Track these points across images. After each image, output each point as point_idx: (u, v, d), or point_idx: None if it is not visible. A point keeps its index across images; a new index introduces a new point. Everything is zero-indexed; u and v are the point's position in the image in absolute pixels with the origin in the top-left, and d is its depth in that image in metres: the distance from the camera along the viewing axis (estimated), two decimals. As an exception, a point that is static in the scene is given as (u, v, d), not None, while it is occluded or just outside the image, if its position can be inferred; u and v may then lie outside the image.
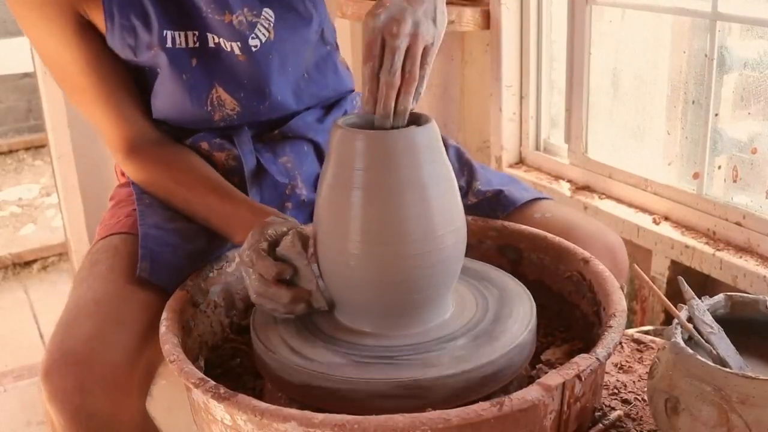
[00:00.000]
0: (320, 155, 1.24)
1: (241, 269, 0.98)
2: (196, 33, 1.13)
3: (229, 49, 1.13)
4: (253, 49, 1.14)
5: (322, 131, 1.23)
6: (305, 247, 0.93)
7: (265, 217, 1.00)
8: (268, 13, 1.14)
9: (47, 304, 2.86)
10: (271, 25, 1.14)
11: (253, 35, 1.13)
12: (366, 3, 2.23)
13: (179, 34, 1.11)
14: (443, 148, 0.91)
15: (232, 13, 1.11)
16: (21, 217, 3.84)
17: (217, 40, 1.13)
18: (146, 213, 1.13)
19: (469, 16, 2.09)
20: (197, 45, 1.13)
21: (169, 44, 1.11)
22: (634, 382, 1.01)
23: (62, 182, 2.52)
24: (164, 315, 0.98)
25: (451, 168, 0.92)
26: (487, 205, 1.20)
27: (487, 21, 2.14)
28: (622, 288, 0.97)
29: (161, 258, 1.07)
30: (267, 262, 0.92)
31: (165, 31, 1.10)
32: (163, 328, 0.95)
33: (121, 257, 1.09)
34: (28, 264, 3.21)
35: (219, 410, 0.81)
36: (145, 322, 1.03)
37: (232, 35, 1.12)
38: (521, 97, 2.17)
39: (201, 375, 0.84)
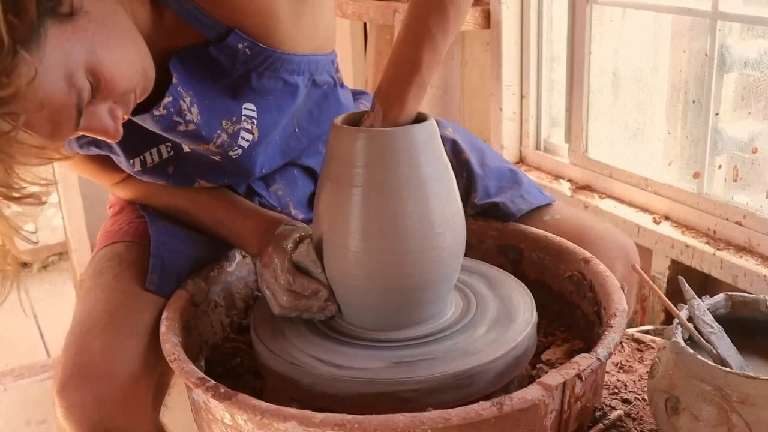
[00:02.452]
0: (312, 175, 1.20)
1: (262, 285, 0.97)
2: (169, 144, 1.03)
3: (208, 154, 1.04)
4: (235, 157, 1.03)
5: (313, 154, 1.19)
6: (320, 255, 0.93)
7: (276, 225, 1.00)
8: (249, 109, 1.00)
9: (47, 303, 2.86)
10: (255, 123, 1.01)
11: (236, 146, 1.02)
12: (366, 2, 2.23)
13: (149, 153, 1.03)
14: (442, 146, 0.92)
15: (209, 142, 0.99)
16: (21, 217, 3.83)
17: (193, 147, 1.03)
18: (155, 218, 1.11)
19: (469, 15, 2.09)
20: (171, 153, 1.04)
21: (138, 168, 1.04)
22: (634, 381, 1.01)
23: (62, 181, 2.51)
24: (165, 314, 0.98)
25: (449, 165, 0.92)
26: (485, 216, 1.19)
27: (488, 20, 2.14)
28: (622, 287, 0.97)
29: (171, 267, 1.06)
30: (304, 281, 0.93)
31: (132, 160, 1.03)
32: (163, 328, 0.95)
33: (128, 265, 1.07)
34: (28, 263, 3.22)
35: (219, 409, 0.81)
36: (156, 331, 1.01)
37: (212, 153, 1.03)
38: (521, 97, 2.17)
39: (201, 374, 0.84)
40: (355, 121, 0.92)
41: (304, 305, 0.93)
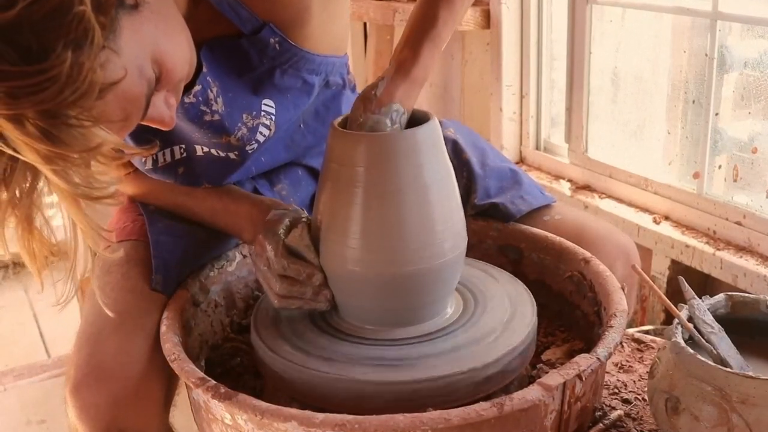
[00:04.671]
0: (316, 175, 1.20)
1: (257, 274, 0.97)
2: (183, 146, 1.04)
3: (222, 155, 1.05)
4: (250, 152, 1.05)
5: (318, 154, 1.19)
6: (314, 240, 0.93)
7: (267, 211, 1.00)
8: (268, 105, 1.02)
9: (47, 303, 2.86)
10: (273, 119, 1.03)
11: (253, 141, 1.03)
12: (366, 2, 2.23)
13: (162, 153, 1.03)
14: (444, 147, 0.91)
15: (231, 134, 1.01)
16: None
17: (207, 150, 1.05)
18: (154, 218, 1.12)
19: (470, 15, 2.09)
20: (184, 155, 1.05)
21: (149, 167, 1.04)
22: (634, 381, 1.01)
23: (62, 181, 2.51)
24: (165, 314, 0.98)
25: (451, 167, 0.92)
26: (485, 216, 1.19)
27: (488, 20, 2.14)
28: (623, 287, 0.97)
29: (173, 267, 1.06)
30: (299, 266, 0.92)
31: (144, 158, 1.03)
32: (163, 328, 0.95)
33: (135, 264, 1.07)
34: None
35: (219, 409, 0.81)
36: None
37: (229, 149, 1.04)
38: (521, 97, 2.17)
39: (201, 374, 0.84)
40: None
41: (298, 291, 0.93)
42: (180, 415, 1.10)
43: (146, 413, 0.98)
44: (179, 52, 0.82)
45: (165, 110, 0.83)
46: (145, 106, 0.78)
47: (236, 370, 1.05)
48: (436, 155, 0.89)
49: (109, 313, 0.95)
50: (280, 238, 0.94)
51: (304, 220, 0.96)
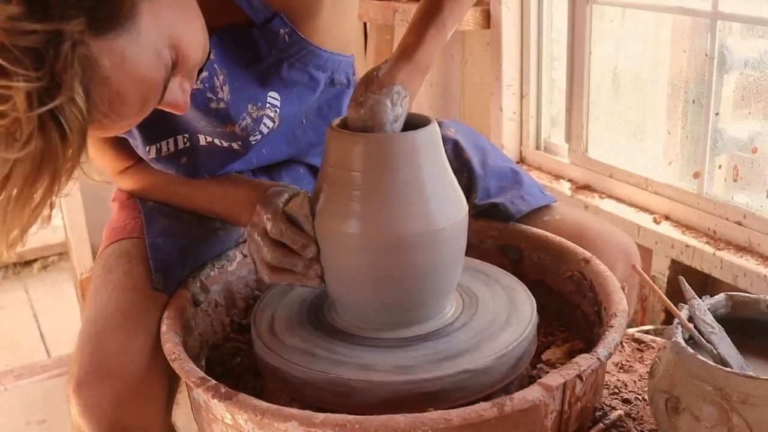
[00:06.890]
0: (316, 174, 1.18)
1: (250, 247, 0.97)
2: (186, 135, 1.05)
3: (226, 146, 1.06)
4: (254, 143, 1.06)
5: (319, 153, 1.19)
6: (313, 212, 0.92)
7: (266, 191, 1.00)
8: (273, 98, 1.04)
9: (48, 303, 2.86)
10: (278, 111, 1.05)
11: (257, 132, 1.05)
12: (366, 2, 2.23)
13: (166, 142, 1.05)
14: (443, 148, 0.91)
15: (235, 123, 1.02)
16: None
17: (210, 140, 1.06)
18: (151, 218, 1.12)
19: (470, 15, 2.09)
20: (188, 145, 1.06)
21: (153, 156, 1.05)
22: (634, 381, 1.01)
23: (62, 181, 2.50)
24: (165, 314, 0.98)
25: (449, 167, 0.92)
26: (485, 216, 1.19)
27: (488, 20, 2.14)
28: (623, 287, 0.97)
29: (172, 266, 1.07)
30: (295, 234, 0.92)
31: (148, 147, 1.04)
32: (164, 327, 0.95)
33: (137, 262, 1.07)
34: (28, 263, 3.21)
35: (220, 409, 0.81)
36: None
37: (233, 138, 1.05)
38: (522, 97, 2.17)
39: (202, 374, 0.84)
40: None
41: (290, 263, 0.92)
42: (182, 413, 1.10)
43: (149, 411, 0.98)
44: (195, 37, 0.83)
45: (180, 95, 0.84)
46: (162, 90, 0.80)
47: (236, 370, 1.05)
48: (435, 156, 0.89)
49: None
50: (279, 206, 0.94)
51: (304, 191, 0.96)
